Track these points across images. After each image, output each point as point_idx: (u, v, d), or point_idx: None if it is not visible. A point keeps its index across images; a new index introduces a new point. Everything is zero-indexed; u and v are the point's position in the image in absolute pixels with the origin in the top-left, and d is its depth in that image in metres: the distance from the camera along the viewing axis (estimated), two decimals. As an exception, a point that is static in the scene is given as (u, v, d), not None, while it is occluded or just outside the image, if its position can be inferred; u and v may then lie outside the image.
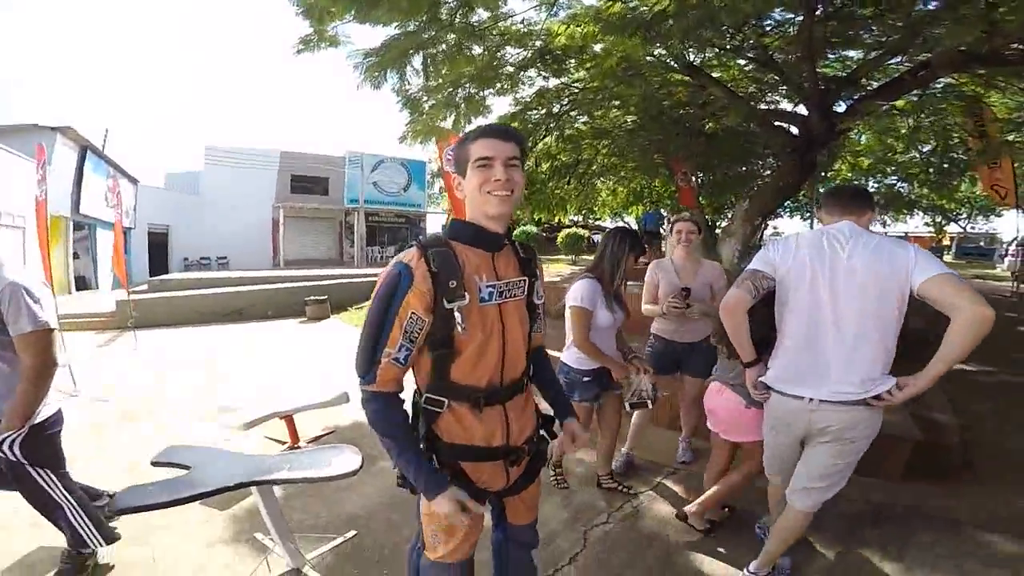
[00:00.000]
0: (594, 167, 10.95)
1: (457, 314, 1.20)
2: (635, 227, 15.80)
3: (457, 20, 5.04)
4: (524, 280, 1.37)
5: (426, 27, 5.03)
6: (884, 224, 14.65)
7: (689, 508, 2.57)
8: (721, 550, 2.44)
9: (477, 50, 5.70)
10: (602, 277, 2.60)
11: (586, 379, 2.71)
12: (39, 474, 2.08)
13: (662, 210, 14.50)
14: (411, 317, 1.19)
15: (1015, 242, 12.67)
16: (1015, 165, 7.27)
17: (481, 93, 6.35)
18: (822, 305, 1.82)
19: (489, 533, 1.62)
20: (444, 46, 5.40)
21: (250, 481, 1.96)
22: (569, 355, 2.75)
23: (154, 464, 2.27)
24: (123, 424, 4.29)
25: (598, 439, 3.02)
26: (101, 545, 2.19)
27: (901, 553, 2.40)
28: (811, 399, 1.86)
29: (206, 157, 22.86)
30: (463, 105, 6.28)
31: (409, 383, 1.31)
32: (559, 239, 20.41)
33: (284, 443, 3.78)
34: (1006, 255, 15.89)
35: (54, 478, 2.13)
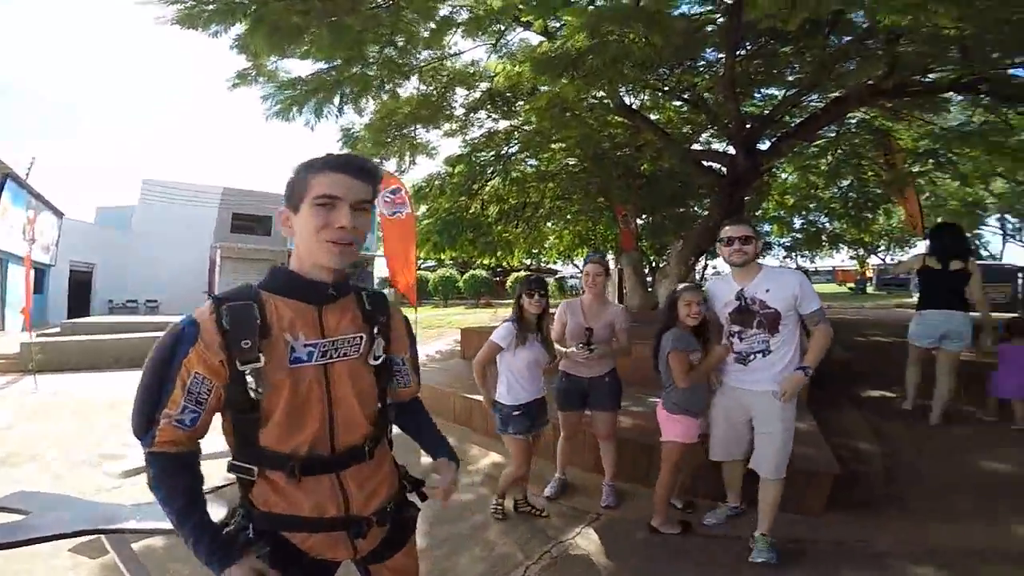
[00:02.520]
0: (541, 210, 11.11)
1: (249, 378, 1.03)
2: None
3: (383, 58, 5.06)
4: (361, 336, 1.18)
5: (350, 64, 5.02)
6: (811, 260, 15.56)
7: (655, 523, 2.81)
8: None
9: (411, 89, 5.74)
10: (517, 320, 2.84)
11: (515, 412, 2.82)
12: None
13: (609, 254, 14.81)
14: (195, 378, 1.02)
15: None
16: (924, 196, 7.82)
17: (418, 132, 6.37)
18: None
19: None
20: (371, 84, 5.40)
21: (92, 529, 1.77)
22: (499, 392, 2.91)
23: (-7, 508, 1.98)
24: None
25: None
26: None
27: (825, 594, 2.27)
28: None
29: (142, 192, 21.61)
30: (397, 144, 6.26)
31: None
32: (508, 283, 20.58)
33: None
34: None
35: None
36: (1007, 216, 18.95)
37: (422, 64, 5.69)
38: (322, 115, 5.85)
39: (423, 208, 9.41)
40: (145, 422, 1.03)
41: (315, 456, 1.11)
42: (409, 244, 6.50)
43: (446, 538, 2.83)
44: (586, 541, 2.79)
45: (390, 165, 7.03)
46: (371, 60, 5.13)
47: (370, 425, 1.20)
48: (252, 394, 1.04)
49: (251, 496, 1.13)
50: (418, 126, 6.36)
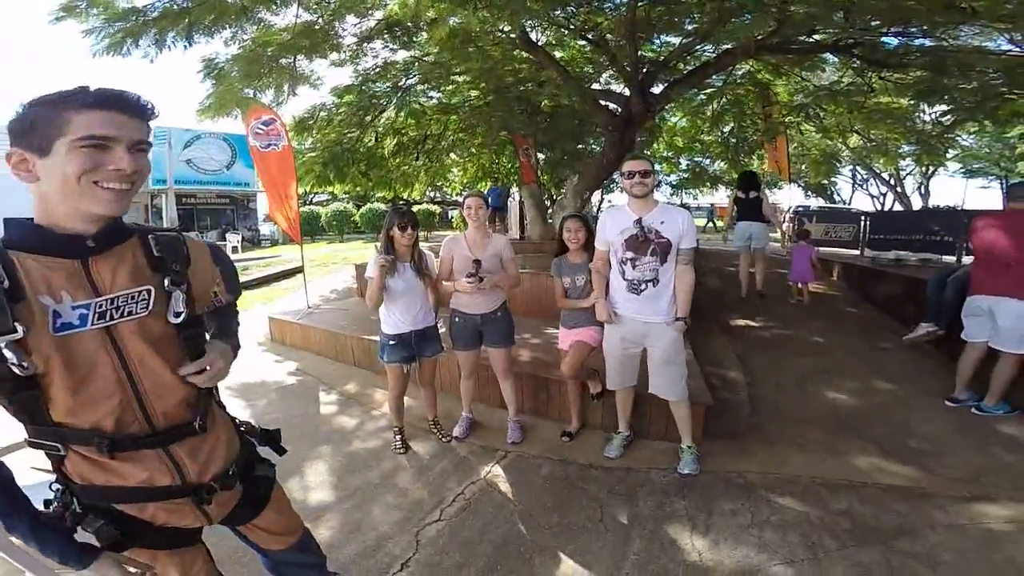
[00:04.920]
0: (443, 143, 10.68)
1: (8, 353, 0.87)
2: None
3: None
4: (149, 290, 1.01)
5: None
6: (695, 197, 16.90)
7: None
8: (547, 534, 2.42)
9: (290, 18, 5.03)
10: (385, 251, 2.93)
11: (391, 342, 3.00)
12: None
13: (512, 187, 14.81)
14: None
15: (789, 210, 15.43)
16: (793, 145, 8.73)
17: (299, 62, 5.66)
18: None
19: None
20: (230, 11, 4.64)
21: None
22: (381, 322, 3.07)
23: None
24: None
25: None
26: None
27: (708, 526, 2.41)
28: None
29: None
30: (274, 75, 5.56)
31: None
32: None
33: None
34: (783, 221, 19.48)
35: None
36: (858, 168, 21.74)
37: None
38: (165, 45, 4.99)
39: (308, 141, 8.65)
40: None
41: (127, 433, 1.00)
42: (288, 178, 6.01)
43: (356, 489, 2.78)
44: (496, 479, 2.86)
45: (265, 97, 6.32)
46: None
47: (187, 387, 1.07)
48: (17, 370, 0.87)
49: (64, 470, 1.01)
50: (299, 56, 5.63)
